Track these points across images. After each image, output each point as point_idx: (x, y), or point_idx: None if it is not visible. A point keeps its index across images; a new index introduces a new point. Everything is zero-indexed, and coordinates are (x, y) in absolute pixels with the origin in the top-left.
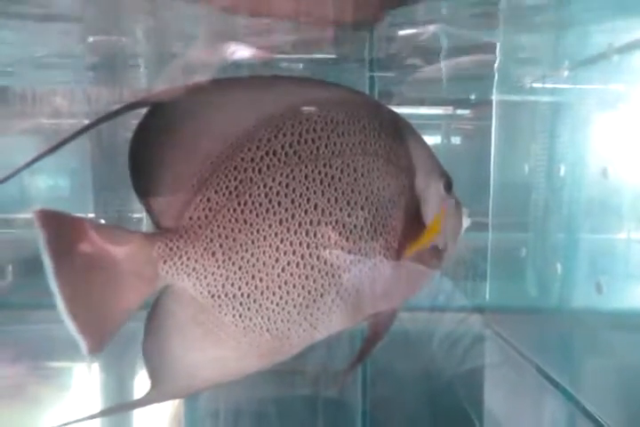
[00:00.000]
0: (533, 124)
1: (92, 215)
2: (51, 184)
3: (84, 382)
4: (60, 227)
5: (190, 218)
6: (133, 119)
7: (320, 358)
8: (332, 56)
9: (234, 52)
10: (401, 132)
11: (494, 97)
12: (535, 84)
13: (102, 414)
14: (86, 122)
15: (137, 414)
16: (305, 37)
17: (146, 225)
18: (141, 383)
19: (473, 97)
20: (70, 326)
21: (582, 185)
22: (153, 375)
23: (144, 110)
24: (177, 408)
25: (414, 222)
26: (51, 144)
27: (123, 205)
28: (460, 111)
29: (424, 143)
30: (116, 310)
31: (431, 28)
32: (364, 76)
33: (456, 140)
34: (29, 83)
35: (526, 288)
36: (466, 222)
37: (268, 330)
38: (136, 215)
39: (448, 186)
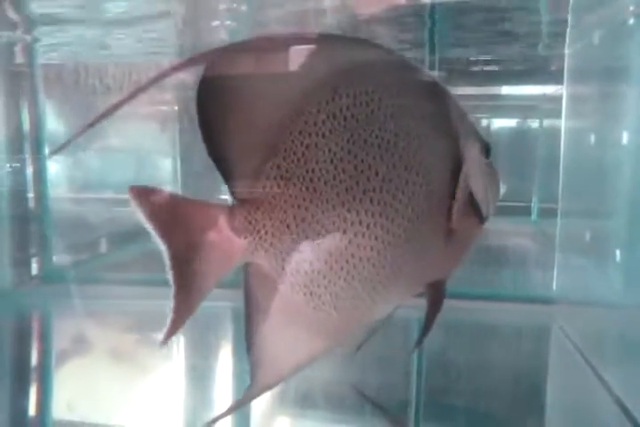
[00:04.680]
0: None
1: None
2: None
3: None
4: (151, 201)
5: (264, 187)
6: None
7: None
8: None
9: None
10: (442, 95)
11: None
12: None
13: (228, 412)
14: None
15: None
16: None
17: None
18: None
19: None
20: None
21: None
22: (251, 364)
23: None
24: None
25: (464, 185)
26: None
27: (211, 189)
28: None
29: (461, 107)
30: (199, 283)
31: None
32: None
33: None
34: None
35: (606, 279)
36: (502, 189)
37: (335, 308)
38: (223, 196)
39: (487, 151)
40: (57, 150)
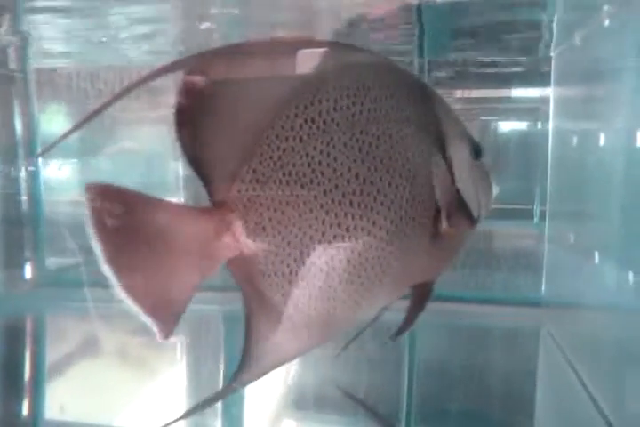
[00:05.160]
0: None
1: None
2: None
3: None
4: (110, 202)
5: (239, 191)
6: None
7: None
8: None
9: None
10: (428, 97)
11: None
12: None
13: (206, 403)
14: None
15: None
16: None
17: None
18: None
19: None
20: (139, 312)
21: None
22: (241, 356)
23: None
24: None
25: (447, 187)
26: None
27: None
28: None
29: (451, 110)
30: (178, 289)
31: None
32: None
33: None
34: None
35: (587, 281)
36: (495, 190)
37: (314, 309)
38: None
39: (477, 152)
40: (46, 150)
